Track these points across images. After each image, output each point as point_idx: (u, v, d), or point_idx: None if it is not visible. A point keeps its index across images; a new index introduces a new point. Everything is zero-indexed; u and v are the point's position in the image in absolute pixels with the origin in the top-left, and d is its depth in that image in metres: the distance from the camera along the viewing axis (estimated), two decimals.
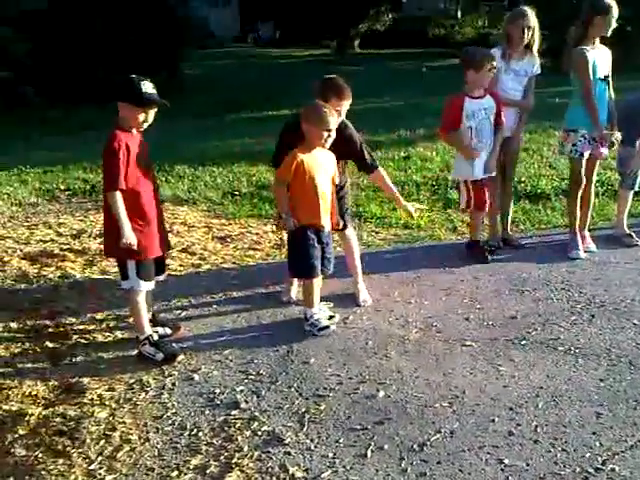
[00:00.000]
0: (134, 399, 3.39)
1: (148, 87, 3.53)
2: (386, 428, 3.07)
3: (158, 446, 3.02)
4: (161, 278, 3.89)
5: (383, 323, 4.09)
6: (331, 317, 4.07)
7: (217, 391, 3.43)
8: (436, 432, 3.02)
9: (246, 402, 3.32)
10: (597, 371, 3.46)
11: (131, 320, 3.93)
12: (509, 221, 5.46)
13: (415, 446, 2.94)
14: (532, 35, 4.95)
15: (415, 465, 2.82)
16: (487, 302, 4.31)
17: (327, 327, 3.93)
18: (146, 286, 3.71)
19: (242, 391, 3.42)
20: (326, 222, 3.98)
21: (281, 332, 4.02)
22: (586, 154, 4.90)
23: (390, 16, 27.35)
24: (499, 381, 3.41)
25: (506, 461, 2.82)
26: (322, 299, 4.13)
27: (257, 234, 5.87)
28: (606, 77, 4.83)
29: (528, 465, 2.79)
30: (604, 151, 4.84)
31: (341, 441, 3.00)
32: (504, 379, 3.43)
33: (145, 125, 3.61)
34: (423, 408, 3.20)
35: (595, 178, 5.09)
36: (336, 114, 3.81)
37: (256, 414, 3.22)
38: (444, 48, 25.14)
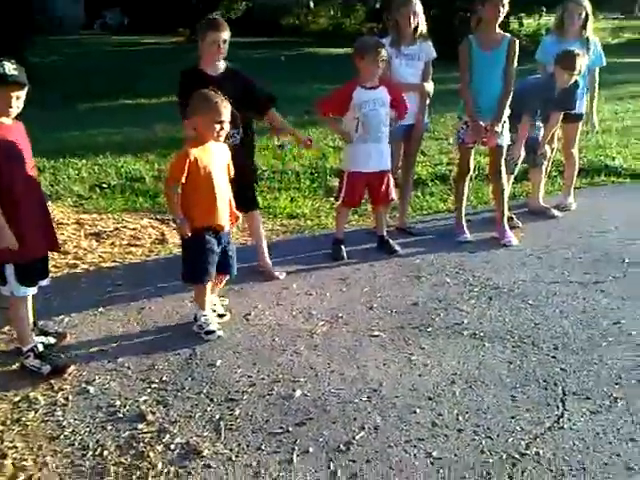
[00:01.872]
0: (23, 419, 3.03)
1: (9, 67, 3.11)
2: (309, 429, 2.93)
3: (58, 471, 2.70)
4: (44, 283, 3.49)
5: (287, 318, 3.93)
6: (222, 315, 3.85)
7: (118, 403, 3.13)
8: (360, 429, 2.92)
9: (152, 413, 3.06)
10: (504, 354, 3.51)
11: (7, 329, 3.53)
12: (406, 209, 5.46)
13: (341, 446, 2.81)
14: (418, 20, 4.95)
15: (344, 466, 2.70)
16: (387, 290, 4.27)
17: (213, 332, 3.68)
18: (28, 292, 3.33)
19: (146, 401, 3.15)
20: (225, 221, 3.72)
21: (180, 334, 3.76)
22: (471, 143, 4.96)
23: (244, 4, 26.95)
24: (413, 370, 3.36)
25: (434, 454, 2.76)
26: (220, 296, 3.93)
27: (134, 229, 5.50)
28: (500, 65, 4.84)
29: (456, 456, 2.75)
30: (497, 140, 4.91)
31: (263, 447, 2.82)
32: (418, 368, 3.38)
33: (13, 111, 3.19)
34: (343, 405, 3.09)
35: (502, 168, 5.08)
36: (229, 105, 3.57)
37: (165, 425, 2.97)
38: (299, 37, 25.24)
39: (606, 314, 3.88)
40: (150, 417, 3.03)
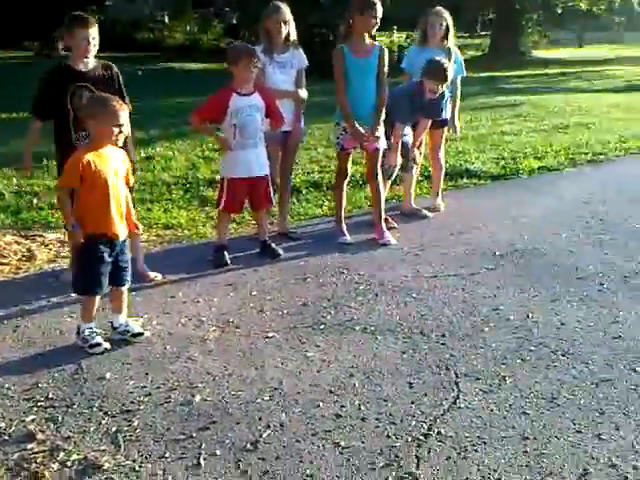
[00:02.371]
0: None
1: None
2: (213, 433, 2.85)
3: None
4: None
5: (176, 326, 3.82)
6: (138, 334, 3.64)
7: (2, 425, 2.90)
8: (266, 428, 2.88)
9: (42, 432, 2.86)
10: (396, 345, 3.59)
11: None
12: (286, 214, 5.48)
13: (248, 445, 2.76)
14: (289, 29, 5.01)
15: (254, 465, 2.65)
16: (275, 292, 4.26)
17: (98, 345, 3.51)
18: None
19: (34, 420, 2.94)
20: (121, 230, 3.55)
21: (62, 350, 3.55)
22: (351, 148, 5.08)
23: (96, 17, 26.14)
24: (311, 367, 3.37)
25: (342, 443, 2.77)
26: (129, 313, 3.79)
27: None
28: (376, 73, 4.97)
29: (363, 443, 2.78)
30: (374, 145, 5.04)
31: (167, 455, 2.71)
32: (316, 364, 3.39)
33: None
34: (245, 406, 3.04)
35: (379, 171, 5.22)
36: (126, 108, 3.46)
37: (58, 443, 2.79)
38: (155, 52, 24.80)
39: (484, 302, 4.08)
40: (40, 436, 2.83)
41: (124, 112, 3.44)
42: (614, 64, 23.71)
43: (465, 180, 7.11)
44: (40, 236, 5.41)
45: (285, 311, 4.00)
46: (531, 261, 4.73)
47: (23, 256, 4.98)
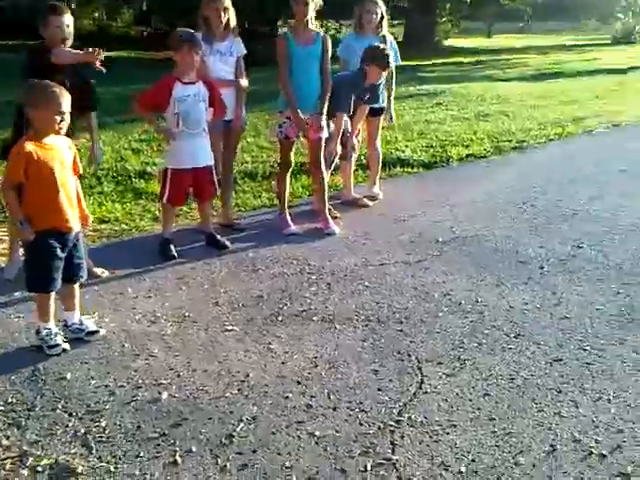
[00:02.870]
0: None
1: None
2: (186, 429, 2.83)
3: None
4: None
5: (131, 323, 3.74)
6: (94, 332, 3.55)
7: None
8: (238, 421, 2.88)
9: (7, 437, 2.77)
10: (356, 333, 3.64)
11: None
12: (229, 205, 5.43)
13: (224, 440, 2.76)
14: (228, 16, 4.95)
15: (232, 459, 2.65)
16: (228, 285, 4.24)
17: (57, 345, 3.40)
18: None
19: None
20: (74, 221, 3.43)
21: (15, 352, 3.44)
22: (294, 137, 5.08)
23: None
24: (276, 359, 3.38)
25: (317, 433, 2.80)
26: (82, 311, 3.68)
27: None
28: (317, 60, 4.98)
29: (338, 432, 2.82)
30: (317, 134, 5.05)
31: (142, 454, 2.67)
32: (279, 356, 3.40)
33: None
34: (215, 400, 3.02)
35: (322, 160, 5.23)
36: (68, 94, 3.33)
37: (25, 448, 2.70)
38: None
39: (435, 289, 4.19)
40: (5, 442, 2.74)
41: (66, 99, 3.31)
42: (522, 53, 24.53)
43: (398, 168, 7.23)
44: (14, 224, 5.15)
45: (241, 304, 3.98)
46: (473, 247, 4.88)
47: None
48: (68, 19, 4.09)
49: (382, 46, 5.38)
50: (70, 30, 4.10)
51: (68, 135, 3.89)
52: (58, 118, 3.26)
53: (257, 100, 8.84)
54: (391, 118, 6.18)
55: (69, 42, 4.12)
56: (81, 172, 3.57)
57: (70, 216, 3.40)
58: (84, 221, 3.58)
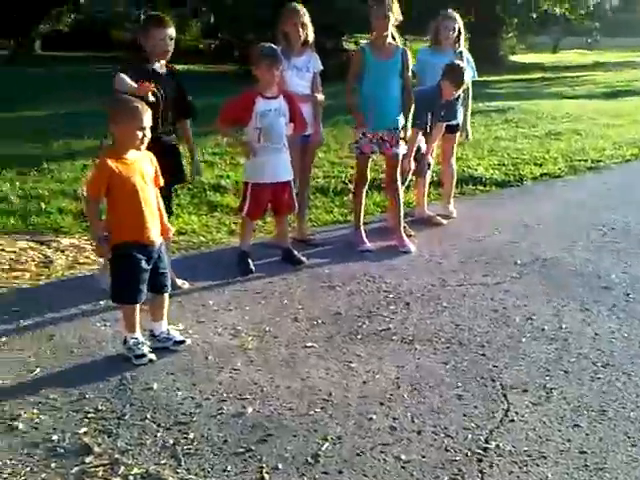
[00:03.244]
0: None
1: None
2: (271, 446, 2.84)
3: None
4: None
5: (213, 335, 3.79)
6: (180, 342, 3.61)
7: (55, 438, 2.86)
8: (323, 440, 2.87)
9: (98, 445, 2.82)
10: (437, 355, 3.61)
11: None
12: (305, 220, 5.46)
13: (309, 459, 2.75)
14: (307, 32, 5.00)
15: (318, 479, 2.64)
16: (306, 301, 4.25)
17: (144, 355, 3.46)
18: None
19: (87, 433, 2.90)
20: (155, 235, 3.49)
21: (103, 360, 3.51)
22: (369, 152, 5.09)
23: (72, 17, 25.79)
24: (357, 378, 3.37)
25: (402, 457, 2.78)
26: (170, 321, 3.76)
27: (13, 252, 5.07)
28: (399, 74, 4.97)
29: (424, 457, 2.78)
30: (394, 150, 5.05)
31: (229, 469, 2.69)
32: (361, 375, 3.39)
33: None
34: (299, 418, 3.03)
35: (398, 177, 5.23)
36: (149, 110, 3.40)
37: (117, 456, 2.75)
38: (131, 50, 24.45)
39: (516, 312, 4.11)
40: (97, 449, 2.79)
41: (147, 114, 3.38)
42: (590, 69, 24.05)
43: (470, 186, 7.16)
44: (54, 241, 5.32)
45: (320, 320, 3.98)
46: (553, 270, 4.78)
47: (41, 262, 4.90)
48: (171, 32, 4.13)
49: (459, 63, 5.34)
50: (172, 43, 4.14)
51: (173, 144, 4.00)
52: (140, 133, 3.32)
53: (327, 115, 8.81)
54: (467, 135, 6.12)
55: (169, 55, 4.18)
56: (162, 184, 3.62)
57: (153, 229, 3.46)
58: (165, 234, 3.63)
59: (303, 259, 4.86)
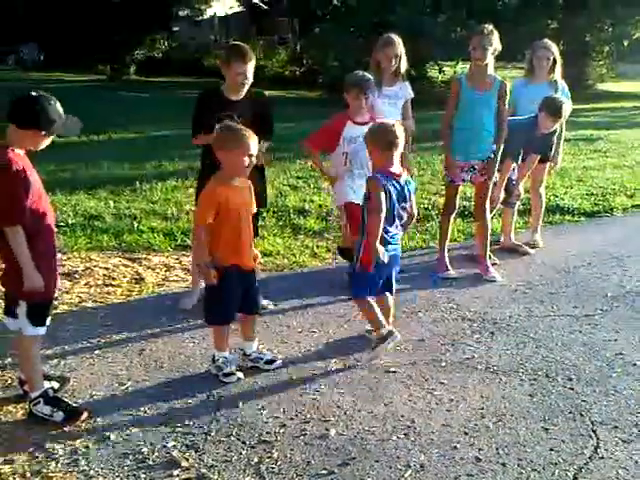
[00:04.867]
0: (44, 470, 2.83)
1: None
2: (354, 469, 2.85)
3: None
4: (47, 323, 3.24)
5: (297, 355, 3.85)
6: (271, 361, 3.69)
7: (144, 450, 2.96)
8: (406, 467, 2.86)
9: (186, 459, 2.90)
10: (523, 387, 3.54)
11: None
12: None
13: None
14: (400, 62, 5.05)
15: None
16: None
17: (232, 374, 3.54)
18: (40, 331, 3.12)
19: (175, 447, 2.99)
20: (250, 260, 3.59)
21: (190, 376, 3.62)
22: (460, 181, 5.08)
23: (166, 44, 26.86)
24: (440, 406, 3.34)
25: None
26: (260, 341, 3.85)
27: (106, 269, 5.28)
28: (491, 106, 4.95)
29: None
30: (484, 178, 5.03)
31: None
32: (444, 404, 3.36)
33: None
34: (382, 443, 3.03)
35: (487, 205, 5.21)
36: (256, 137, 3.49)
37: (203, 471, 2.83)
38: (220, 78, 25.21)
39: (606, 346, 3.99)
40: (184, 463, 2.87)
41: (254, 142, 3.45)
42: None
43: (558, 216, 7.00)
44: (145, 259, 5.52)
45: (403, 346, 3.97)
46: None
47: (132, 279, 5.09)
48: (251, 67, 4.13)
49: (559, 97, 5.26)
50: (250, 77, 4.15)
51: (260, 166, 4.04)
52: (247, 161, 3.42)
53: (420, 140, 8.89)
54: (556, 162, 6.01)
55: (246, 88, 4.18)
56: (255, 211, 3.71)
57: (249, 254, 3.55)
58: (254, 259, 3.70)
59: None
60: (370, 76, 4.75)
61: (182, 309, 4.42)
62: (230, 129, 3.49)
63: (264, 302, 4.42)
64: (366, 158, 4.62)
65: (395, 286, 4.04)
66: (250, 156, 3.42)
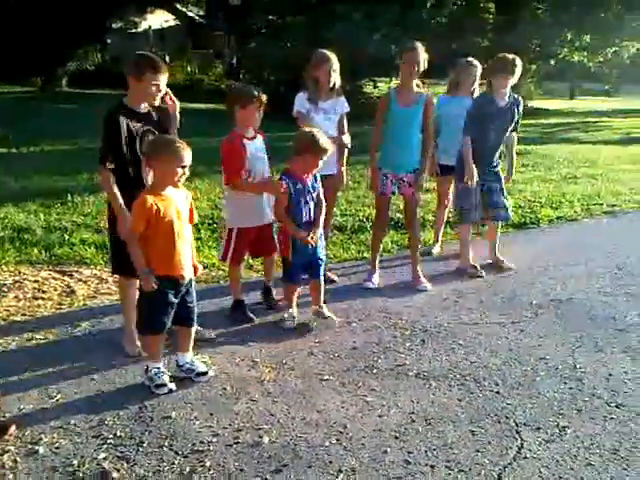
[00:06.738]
0: None
1: None
2: (286, 476, 2.88)
3: None
4: None
5: (231, 366, 3.85)
6: (203, 373, 3.68)
7: (75, 462, 2.92)
8: (338, 472, 2.91)
9: (117, 470, 2.88)
10: (452, 392, 3.64)
11: None
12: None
13: None
14: (335, 77, 5.14)
15: None
16: (324, 336, 4.31)
17: (164, 385, 3.52)
18: None
19: (106, 458, 2.96)
20: (187, 270, 3.59)
21: (123, 388, 3.59)
22: (389, 193, 5.20)
23: (100, 56, 26.44)
24: (372, 412, 3.41)
25: None
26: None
27: (36, 282, 5.18)
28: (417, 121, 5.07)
29: None
30: (413, 190, 5.16)
31: None
32: (376, 409, 3.43)
33: None
34: (314, 449, 3.07)
35: (418, 217, 5.36)
36: (189, 149, 3.49)
37: None
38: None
39: (531, 352, 4.14)
40: (115, 474, 2.85)
41: (188, 153, 3.47)
42: (608, 116, 24.19)
43: (486, 228, 7.20)
44: (76, 272, 5.43)
45: (336, 354, 4.04)
46: (568, 311, 4.81)
47: (63, 292, 5.00)
48: (165, 78, 3.85)
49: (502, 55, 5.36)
50: (163, 88, 3.90)
51: None
52: (180, 171, 3.43)
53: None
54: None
55: (158, 101, 3.93)
56: (196, 221, 3.71)
57: (185, 265, 3.55)
58: (195, 271, 3.71)
59: (253, 319, 4.55)
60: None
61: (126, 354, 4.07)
62: (164, 140, 3.50)
63: (205, 332, 4.22)
64: (265, 170, 4.58)
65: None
66: (184, 167, 3.43)
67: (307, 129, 4.49)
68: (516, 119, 5.46)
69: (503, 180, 5.65)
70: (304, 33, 18.49)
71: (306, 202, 4.39)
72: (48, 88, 23.82)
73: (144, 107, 3.95)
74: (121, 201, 3.69)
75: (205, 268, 5.64)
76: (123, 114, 3.83)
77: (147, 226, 3.39)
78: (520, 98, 5.52)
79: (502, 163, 5.74)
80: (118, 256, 3.80)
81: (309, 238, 4.34)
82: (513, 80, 5.27)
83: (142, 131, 3.85)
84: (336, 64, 5.11)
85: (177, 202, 3.52)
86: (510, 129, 5.48)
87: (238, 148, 4.40)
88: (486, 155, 5.46)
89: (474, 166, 5.31)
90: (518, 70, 5.23)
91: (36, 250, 5.86)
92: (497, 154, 5.59)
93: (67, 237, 6.23)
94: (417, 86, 5.08)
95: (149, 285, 3.40)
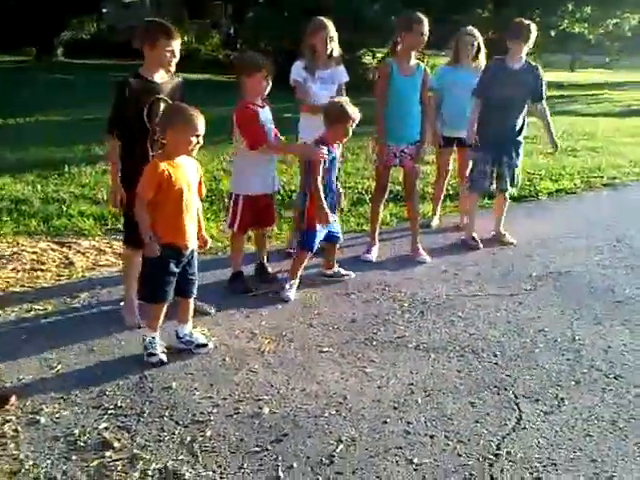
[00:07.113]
0: None
1: None
2: (286, 445, 2.90)
3: None
4: None
5: (230, 338, 3.86)
6: (203, 345, 3.68)
7: (76, 432, 2.93)
8: (338, 442, 2.93)
9: (118, 440, 2.89)
10: (451, 363, 3.65)
11: None
12: None
13: (324, 459, 2.81)
14: (333, 45, 5.07)
15: (332, 479, 2.70)
16: (323, 307, 4.32)
17: (154, 355, 3.52)
18: None
19: (107, 428, 2.97)
20: (192, 240, 3.57)
21: (123, 358, 3.59)
22: (392, 164, 5.16)
23: (96, 26, 26.16)
24: (372, 383, 3.42)
25: (415, 460, 2.83)
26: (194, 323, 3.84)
27: (34, 253, 5.16)
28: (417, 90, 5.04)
29: (436, 461, 2.83)
30: (414, 163, 5.14)
31: (245, 466, 2.76)
32: (375, 380, 3.45)
33: None
34: (314, 419, 3.09)
35: (418, 189, 5.32)
36: (202, 117, 3.44)
37: (136, 451, 2.82)
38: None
39: (529, 324, 4.16)
40: (117, 444, 2.86)
41: (202, 122, 3.41)
42: (607, 88, 24.05)
43: (486, 200, 7.18)
44: (75, 243, 5.41)
45: (335, 326, 4.05)
46: (567, 283, 4.82)
47: (61, 263, 4.99)
48: (178, 44, 3.82)
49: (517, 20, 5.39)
50: (177, 55, 3.86)
51: None
52: (194, 140, 3.38)
53: None
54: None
55: (173, 68, 3.89)
56: (204, 193, 3.68)
57: (190, 235, 3.53)
58: (203, 244, 3.70)
59: (252, 290, 4.56)
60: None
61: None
62: (179, 108, 3.46)
63: (205, 307, 4.22)
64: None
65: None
66: (197, 136, 3.39)
67: (336, 99, 4.60)
68: (538, 86, 5.39)
69: (521, 155, 5.58)
70: (302, 2, 18.29)
71: (332, 170, 4.52)
72: (44, 58, 23.62)
73: (160, 77, 3.87)
74: (118, 174, 3.74)
75: None
76: (135, 83, 3.78)
77: (158, 191, 3.36)
78: (538, 65, 5.46)
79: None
80: (131, 229, 3.73)
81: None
82: (528, 45, 5.24)
83: (152, 100, 3.79)
84: (333, 32, 5.04)
85: (188, 172, 3.48)
86: (531, 97, 5.40)
87: (253, 112, 4.36)
88: (500, 120, 5.37)
89: (488, 132, 5.32)
90: (533, 36, 5.19)
91: (34, 221, 5.84)
92: (517, 124, 5.48)
93: (65, 208, 6.21)
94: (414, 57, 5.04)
95: (153, 251, 3.39)
